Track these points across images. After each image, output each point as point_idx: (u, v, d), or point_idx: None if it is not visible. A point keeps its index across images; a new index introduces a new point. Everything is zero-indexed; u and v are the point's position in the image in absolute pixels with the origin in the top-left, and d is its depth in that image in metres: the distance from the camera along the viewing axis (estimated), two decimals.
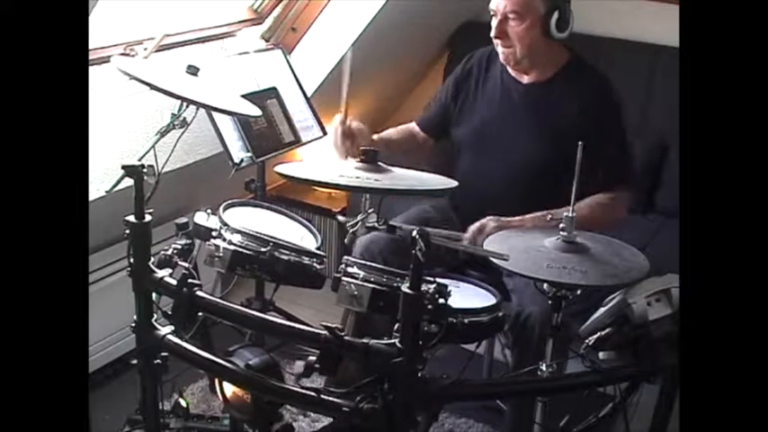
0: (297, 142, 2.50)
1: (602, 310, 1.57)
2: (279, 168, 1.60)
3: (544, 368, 1.62)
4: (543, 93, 2.13)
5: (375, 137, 2.23)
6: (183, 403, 2.06)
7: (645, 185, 3.03)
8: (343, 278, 1.59)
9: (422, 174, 1.79)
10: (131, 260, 1.68)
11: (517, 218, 1.99)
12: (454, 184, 1.68)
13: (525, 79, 2.17)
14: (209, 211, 1.93)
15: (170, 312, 1.70)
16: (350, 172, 1.60)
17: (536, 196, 2.00)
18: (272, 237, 1.74)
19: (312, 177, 1.60)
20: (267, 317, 1.69)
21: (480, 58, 2.28)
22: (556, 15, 2.03)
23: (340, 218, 1.77)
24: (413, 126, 2.41)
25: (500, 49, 2.12)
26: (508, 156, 2.15)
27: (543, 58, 2.12)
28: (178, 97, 1.71)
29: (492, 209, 2.01)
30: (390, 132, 2.35)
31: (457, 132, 2.29)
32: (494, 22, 2.08)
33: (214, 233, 1.78)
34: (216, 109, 1.96)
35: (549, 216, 1.84)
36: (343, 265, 1.63)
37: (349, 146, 2.07)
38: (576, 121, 2.06)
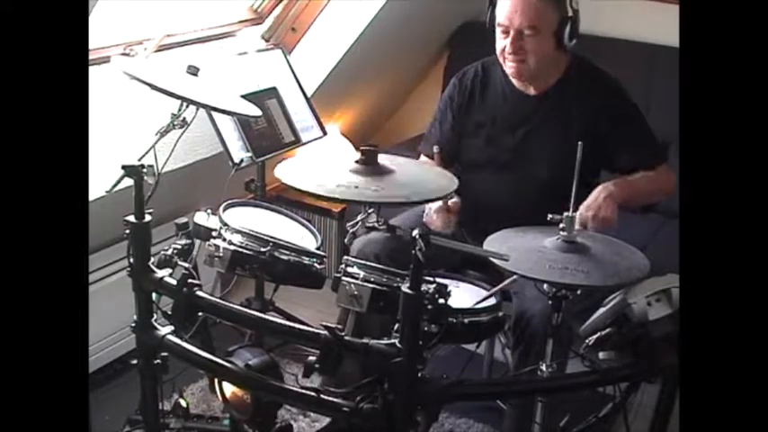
0: (297, 142, 2.50)
1: (602, 310, 1.57)
2: (278, 174, 1.58)
3: (544, 368, 1.62)
4: (556, 99, 2.11)
5: None
6: (183, 403, 2.06)
7: None
8: (343, 278, 1.59)
9: (422, 172, 1.78)
10: (131, 260, 1.68)
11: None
12: (455, 184, 1.67)
13: (532, 90, 2.15)
14: (209, 211, 1.93)
15: (170, 312, 1.70)
16: (348, 178, 1.57)
17: (565, 202, 1.93)
18: (272, 237, 1.74)
19: (311, 190, 1.54)
20: (267, 317, 1.69)
21: (474, 76, 2.25)
22: (569, 27, 2.01)
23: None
24: (426, 159, 2.35)
25: (510, 64, 2.08)
26: (531, 168, 2.13)
27: (550, 67, 2.11)
28: (178, 97, 1.71)
29: (516, 222, 1.85)
30: None
31: (463, 152, 2.26)
32: (507, 39, 2.04)
33: (214, 233, 1.78)
34: (216, 109, 1.96)
35: None
36: (343, 265, 1.63)
37: (451, 220, 2.05)
38: (598, 116, 2.07)
